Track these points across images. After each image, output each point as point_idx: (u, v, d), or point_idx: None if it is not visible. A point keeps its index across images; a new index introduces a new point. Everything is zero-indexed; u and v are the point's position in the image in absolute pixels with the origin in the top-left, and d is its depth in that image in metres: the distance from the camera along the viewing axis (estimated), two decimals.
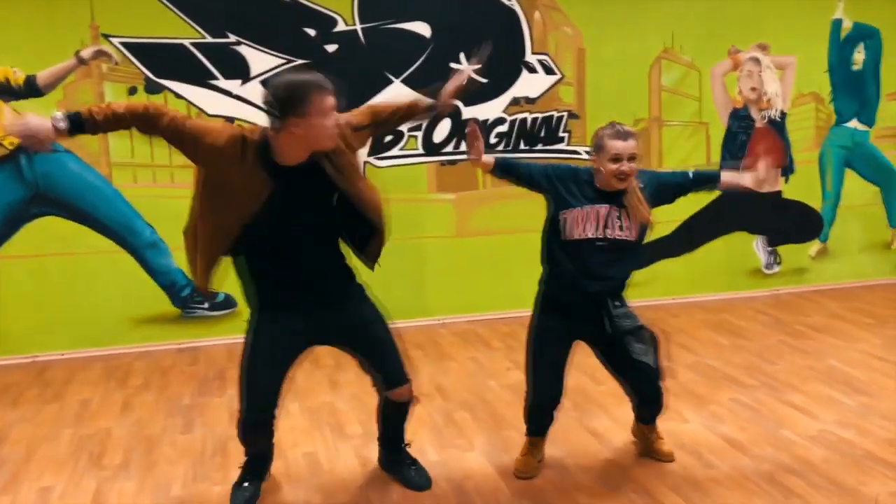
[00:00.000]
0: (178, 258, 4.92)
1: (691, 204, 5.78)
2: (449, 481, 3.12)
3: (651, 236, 3.08)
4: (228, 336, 4.99)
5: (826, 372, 4.23)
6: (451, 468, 3.24)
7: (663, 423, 3.33)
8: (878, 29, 5.90)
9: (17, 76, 4.58)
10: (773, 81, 5.76)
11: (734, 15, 5.60)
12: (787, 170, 5.90)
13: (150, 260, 4.89)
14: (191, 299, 4.99)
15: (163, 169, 4.83)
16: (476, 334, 5.15)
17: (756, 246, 5.98)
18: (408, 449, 3.22)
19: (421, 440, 3.50)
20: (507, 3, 5.19)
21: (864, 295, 5.89)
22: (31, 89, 4.60)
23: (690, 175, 3.09)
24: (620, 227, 2.91)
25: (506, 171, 3.06)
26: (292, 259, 2.71)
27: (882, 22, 5.91)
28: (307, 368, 4.50)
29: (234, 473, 3.22)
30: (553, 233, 2.98)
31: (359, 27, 4.97)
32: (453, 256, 5.37)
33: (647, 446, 3.26)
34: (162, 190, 4.84)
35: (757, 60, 5.70)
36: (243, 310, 4.97)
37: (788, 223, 6.00)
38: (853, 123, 6.00)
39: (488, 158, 3.02)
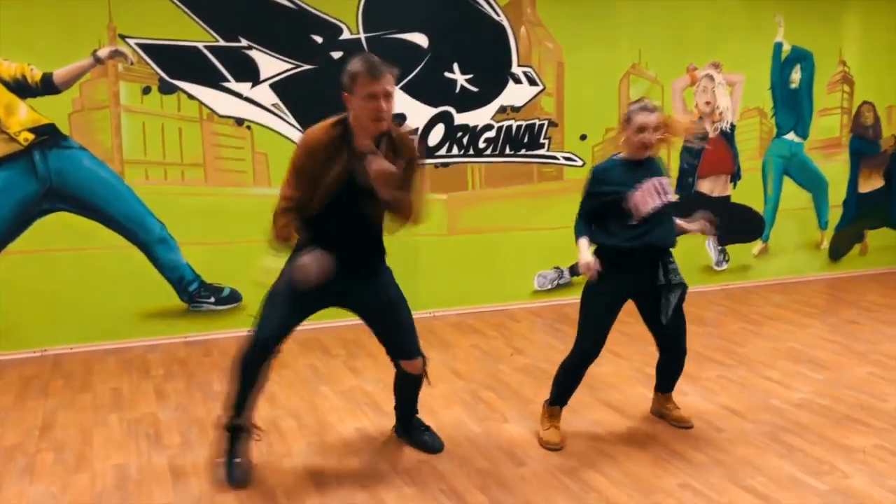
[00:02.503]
0: (187, 253, 5.08)
1: None
2: (499, 448, 3.48)
3: None
4: (235, 329, 5.16)
5: (789, 352, 4.82)
6: (495, 438, 3.59)
7: None
8: (812, 52, 6.64)
9: (35, 73, 4.64)
10: (725, 97, 6.40)
11: (693, 36, 6.21)
12: (735, 176, 6.55)
13: (159, 255, 5.02)
14: (197, 294, 5.15)
15: (174, 167, 4.98)
16: (469, 325, 5.51)
17: (707, 245, 6.60)
18: (418, 416, 3.55)
19: (458, 415, 3.86)
20: (496, 18, 5.60)
21: (802, 288, 6.60)
22: (47, 87, 4.67)
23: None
24: (665, 192, 3.35)
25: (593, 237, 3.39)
26: (341, 222, 3.03)
27: (814, 46, 6.65)
28: (322, 358, 4.78)
29: (298, 445, 3.52)
30: (616, 218, 3.33)
31: (363, 36, 5.26)
32: (444, 253, 5.72)
33: (667, 416, 3.71)
34: (172, 187, 4.99)
35: (711, 77, 6.33)
36: (248, 304, 5.21)
37: (735, 224, 6.64)
38: (791, 136, 6.72)
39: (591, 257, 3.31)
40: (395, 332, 3.27)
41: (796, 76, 6.63)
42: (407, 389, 3.46)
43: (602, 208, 3.36)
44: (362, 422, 3.79)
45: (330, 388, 4.28)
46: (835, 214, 7.06)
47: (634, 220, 3.31)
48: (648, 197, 3.31)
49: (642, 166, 3.36)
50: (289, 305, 3.09)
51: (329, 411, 3.94)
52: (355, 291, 3.17)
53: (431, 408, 3.93)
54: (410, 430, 3.54)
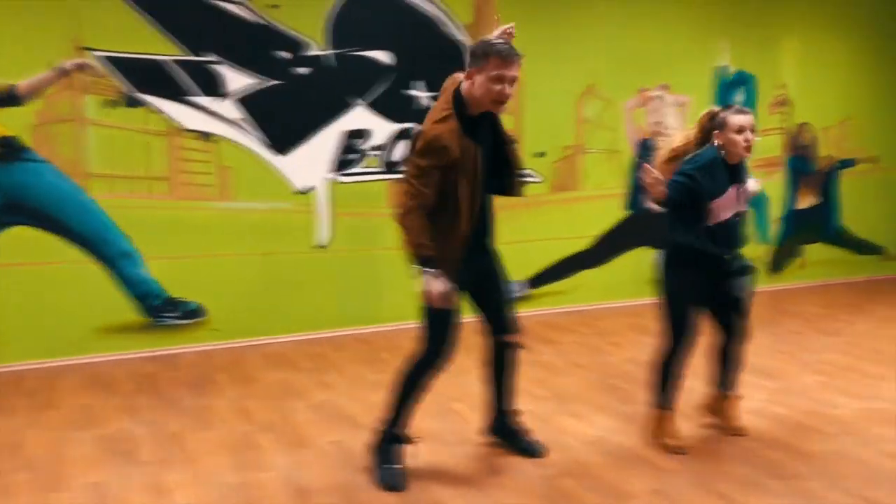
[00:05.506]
0: (152, 268, 5.04)
1: (604, 221, 6.57)
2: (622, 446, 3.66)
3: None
4: (200, 343, 5.18)
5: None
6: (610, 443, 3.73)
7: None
8: (754, 75, 6.98)
9: None
10: (673, 117, 6.67)
11: (643, 59, 6.47)
12: None
13: (122, 269, 4.98)
14: (162, 308, 5.11)
15: (140, 180, 4.95)
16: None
17: (656, 258, 6.84)
18: (520, 419, 3.64)
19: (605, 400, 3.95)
20: (459, 37, 5.74)
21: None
22: (11, 98, 4.60)
23: None
24: (744, 202, 3.54)
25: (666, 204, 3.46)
26: (470, 196, 3.09)
27: (756, 69, 7.00)
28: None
29: (280, 461, 3.53)
30: (695, 217, 3.43)
31: (329, 52, 5.33)
32: (407, 267, 5.79)
33: (725, 422, 3.85)
34: (138, 201, 4.96)
35: (660, 98, 6.60)
36: (213, 318, 5.21)
37: None
38: None
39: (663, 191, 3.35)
40: (506, 304, 3.40)
41: (739, 98, 6.96)
42: (507, 368, 3.50)
43: (682, 198, 3.40)
44: (340, 435, 3.84)
45: (305, 402, 4.31)
46: (774, 229, 7.41)
47: (710, 221, 3.43)
48: (730, 205, 3.45)
49: (735, 168, 3.47)
50: (450, 311, 3.16)
51: (307, 424, 3.98)
52: (480, 265, 3.29)
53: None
54: (511, 432, 3.60)
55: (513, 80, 3.02)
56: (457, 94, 3.10)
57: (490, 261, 3.36)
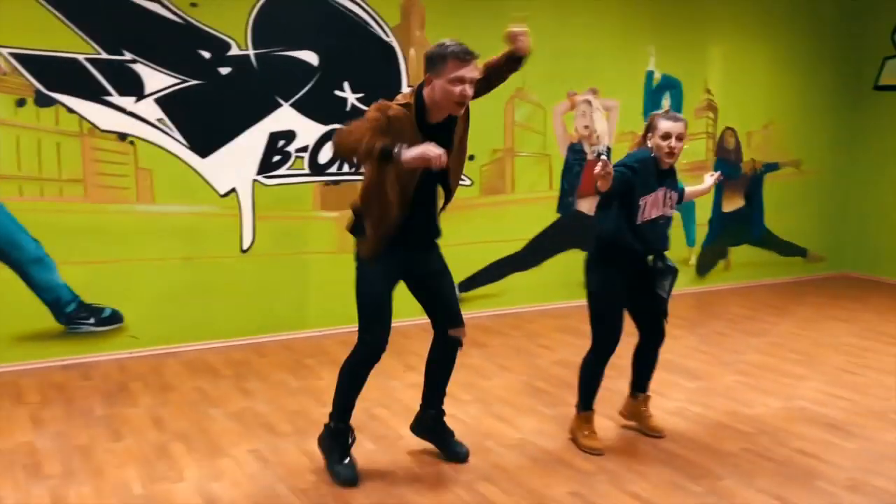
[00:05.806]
0: (65, 273, 4.84)
1: (535, 224, 6.58)
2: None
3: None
4: (116, 351, 5.00)
5: (663, 363, 5.10)
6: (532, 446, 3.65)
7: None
8: (681, 81, 7.10)
9: None
10: (602, 121, 6.73)
11: (572, 63, 6.50)
12: None
13: (33, 275, 4.76)
14: (76, 315, 4.91)
15: (51, 182, 4.75)
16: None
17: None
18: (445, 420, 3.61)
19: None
20: (385, 39, 5.68)
21: (672, 302, 6.98)
22: None
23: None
24: (671, 206, 3.57)
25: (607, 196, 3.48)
26: (422, 203, 3.18)
27: (683, 75, 7.11)
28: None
29: (190, 471, 3.42)
30: (625, 214, 3.47)
31: (251, 52, 5.22)
32: (334, 271, 5.71)
33: (641, 423, 3.88)
34: (50, 204, 4.76)
35: (589, 102, 6.64)
36: (130, 325, 5.05)
37: None
38: None
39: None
40: (448, 298, 3.42)
41: (666, 102, 7.05)
42: (444, 366, 3.51)
43: (622, 187, 3.40)
44: (257, 444, 3.74)
45: (223, 409, 4.19)
46: (700, 232, 7.54)
47: (638, 219, 3.46)
48: (657, 204, 3.48)
49: (665, 173, 3.51)
50: (385, 300, 3.23)
51: (222, 434, 3.86)
52: (420, 259, 3.33)
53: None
54: (439, 431, 3.58)
55: (472, 81, 3.04)
56: (419, 97, 3.08)
57: (436, 257, 3.41)
